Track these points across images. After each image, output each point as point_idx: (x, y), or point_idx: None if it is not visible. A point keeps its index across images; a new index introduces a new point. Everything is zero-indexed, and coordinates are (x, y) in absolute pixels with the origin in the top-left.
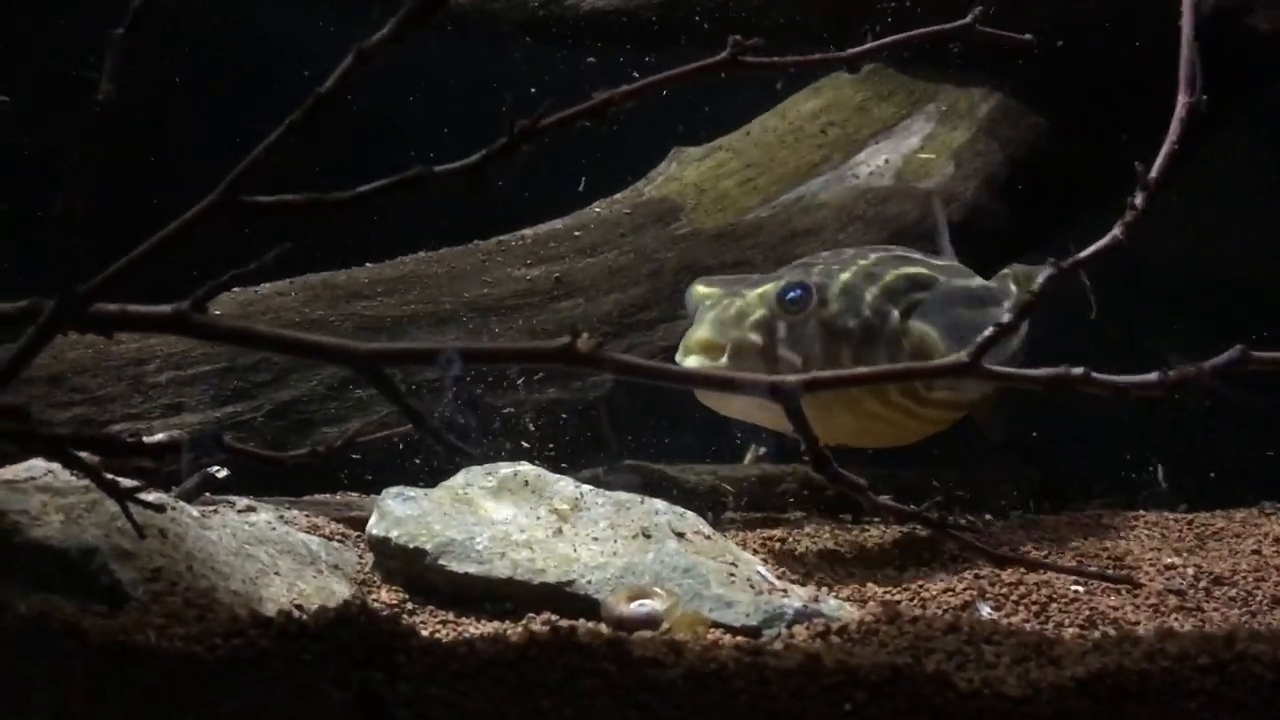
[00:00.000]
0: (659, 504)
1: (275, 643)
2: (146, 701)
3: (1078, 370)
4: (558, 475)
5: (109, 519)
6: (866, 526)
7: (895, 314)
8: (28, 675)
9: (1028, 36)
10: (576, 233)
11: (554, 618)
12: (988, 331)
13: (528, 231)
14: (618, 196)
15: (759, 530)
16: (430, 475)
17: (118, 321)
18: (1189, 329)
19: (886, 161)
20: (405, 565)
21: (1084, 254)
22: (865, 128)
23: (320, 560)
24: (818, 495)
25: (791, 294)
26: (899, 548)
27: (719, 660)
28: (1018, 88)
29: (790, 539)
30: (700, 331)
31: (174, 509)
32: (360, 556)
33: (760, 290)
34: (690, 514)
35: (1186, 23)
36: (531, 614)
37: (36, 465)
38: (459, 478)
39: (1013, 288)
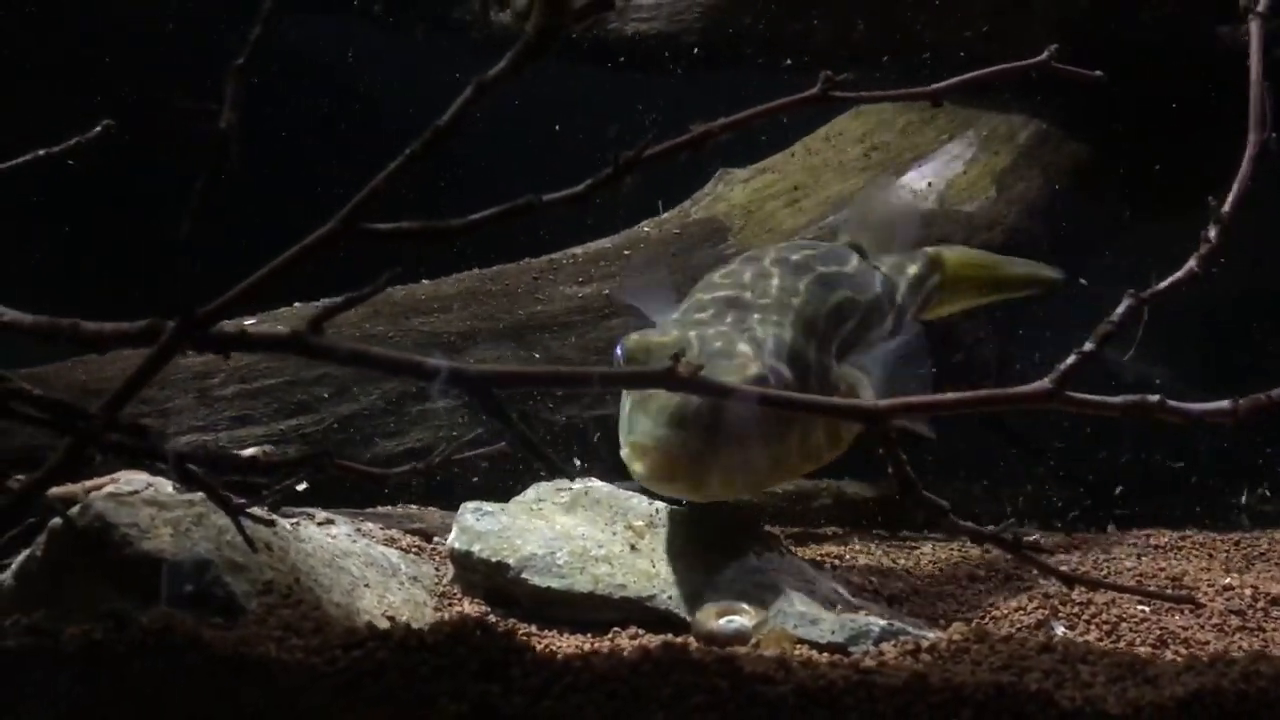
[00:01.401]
0: (737, 521)
1: (394, 655)
2: (268, 713)
3: (1154, 398)
4: (629, 492)
5: (217, 532)
6: (915, 544)
7: (833, 365)
8: (151, 689)
9: (1098, 73)
10: (626, 251)
11: (640, 632)
12: (1071, 359)
13: (578, 250)
14: (665, 216)
15: (810, 545)
16: (468, 489)
17: (237, 342)
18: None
19: (929, 185)
20: (487, 579)
21: (1161, 285)
22: (908, 151)
23: (401, 572)
24: (850, 512)
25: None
26: (955, 566)
27: (828, 678)
28: (1058, 115)
29: (847, 556)
30: (658, 427)
31: (274, 524)
32: (437, 569)
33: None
34: (765, 529)
35: (1255, 61)
36: (617, 628)
37: (136, 479)
38: (530, 493)
39: (910, 271)
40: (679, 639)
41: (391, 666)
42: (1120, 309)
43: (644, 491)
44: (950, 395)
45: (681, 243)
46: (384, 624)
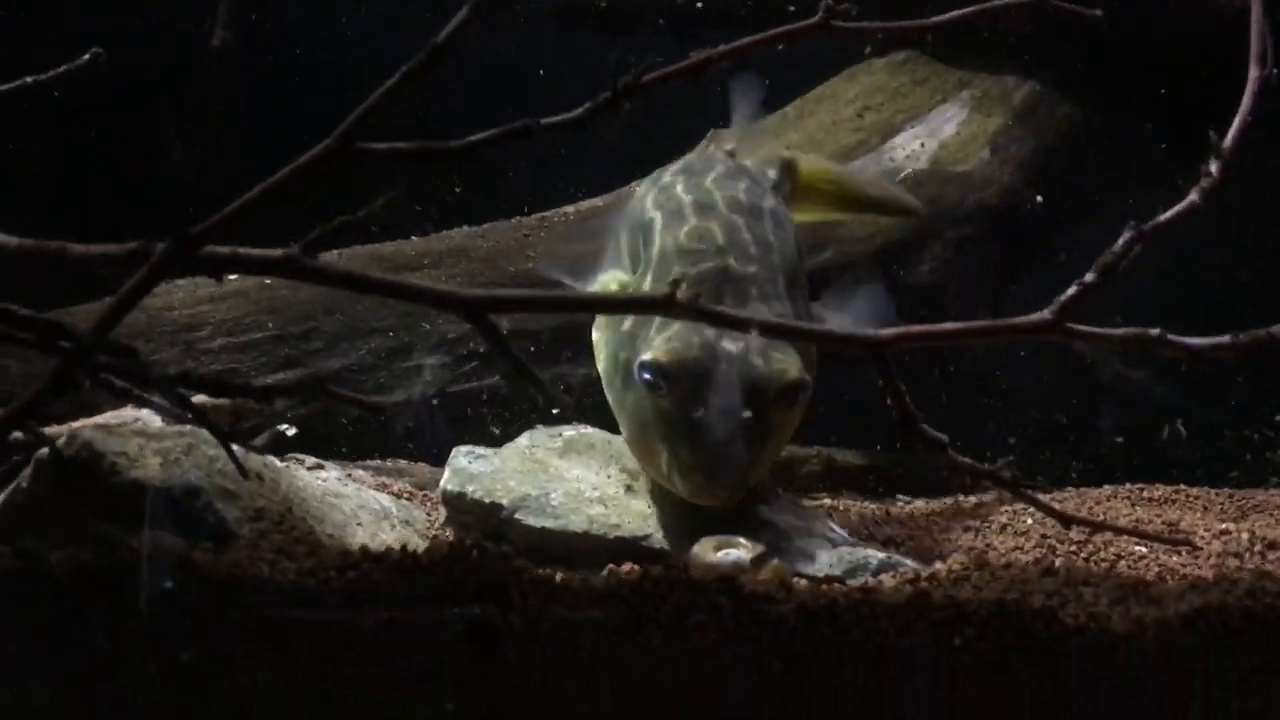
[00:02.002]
0: None
1: (390, 576)
2: (261, 633)
3: (1154, 331)
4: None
5: (208, 461)
6: (908, 501)
7: (809, 311)
8: (143, 609)
9: (1097, 12)
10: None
11: (636, 569)
12: (1072, 289)
13: (570, 208)
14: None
15: (803, 500)
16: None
17: (229, 264)
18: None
19: (922, 146)
20: (480, 520)
21: (1162, 218)
22: (901, 113)
23: (393, 516)
24: (840, 478)
25: (798, 393)
26: (949, 518)
27: (829, 597)
28: (1051, 77)
29: (841, 507)
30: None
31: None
32: (429, 514)
33: (771, 390)
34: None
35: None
36: (613, 565)
37: (125, 414)
38: (523, 439)
39: (771, 175)
40: (681, 562)
41: (387, 588)
42: (1121, 240)
43: None
44: (952, 325)
45: None
46: (387, 546)
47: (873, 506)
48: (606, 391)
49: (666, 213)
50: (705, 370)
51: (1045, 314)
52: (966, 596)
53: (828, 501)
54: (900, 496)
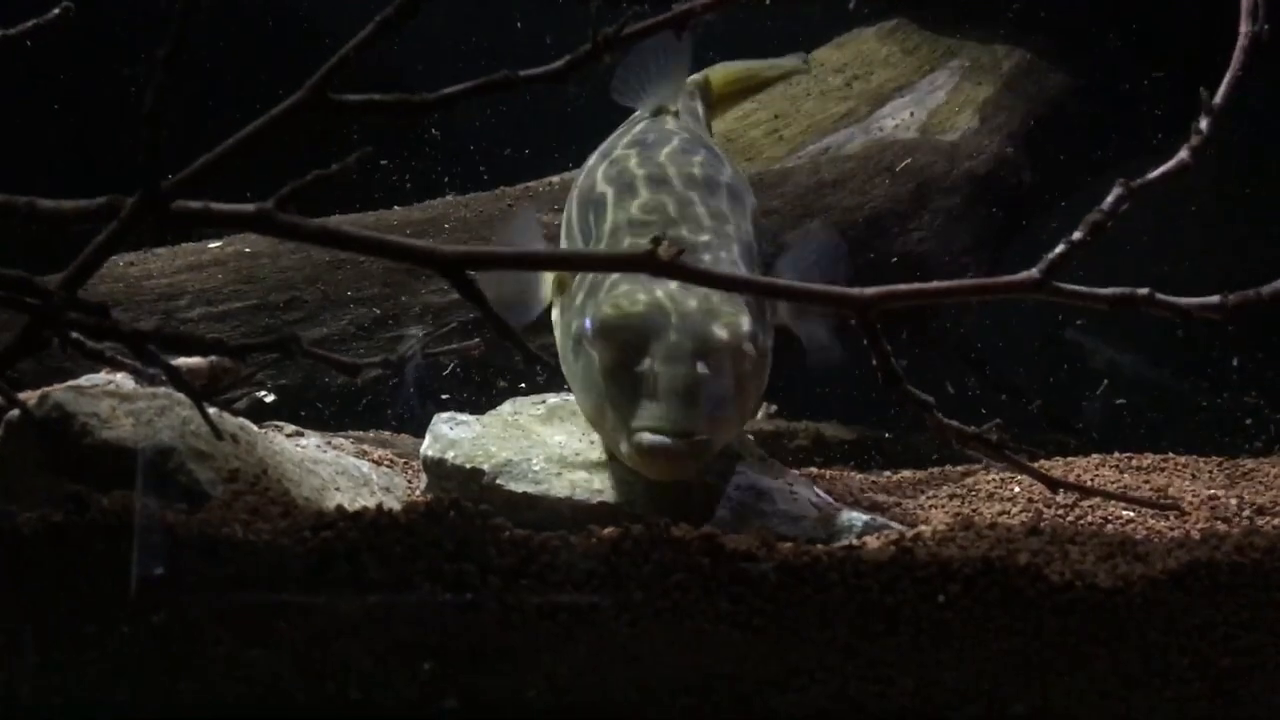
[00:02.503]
0: None
1: (365, 535)
2: (235, 592)
3: (1142, 290)
4: None
5: (180, 422)
6: (895, 471)
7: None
8: (116, 566)
9: None
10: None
11: (595, 528)
12: (1060, 248)
13: (554, 178)
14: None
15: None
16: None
17: (200, 218)
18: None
19: (911, 115)
20: (461, 486)
21: (1151, 176)
22: (890, 82)
23: (373, 482)
24: (828, 453)
25: (746, 345)
26: (935, 486)
27: (812, 554)
28: (1040, 45)
29: (827, 476)
30: (670, 420)
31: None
32: (409, 482)
33: (717, 343)
34: (745, 437)
35: None
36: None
37: (96, 378)
38: (506, 406)
39: (699, 109)
40: (663, 521)
41: (364, 546)
42: (1110, 198)
43: None
44: (939, 284)
45: None
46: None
47: (859, 476)
48: (563, 368)
49: (618, 186)
50: (648, 325)
51: (1033, 272)
52: (951, 554)
53: (815, 471)
54: (887, 470)
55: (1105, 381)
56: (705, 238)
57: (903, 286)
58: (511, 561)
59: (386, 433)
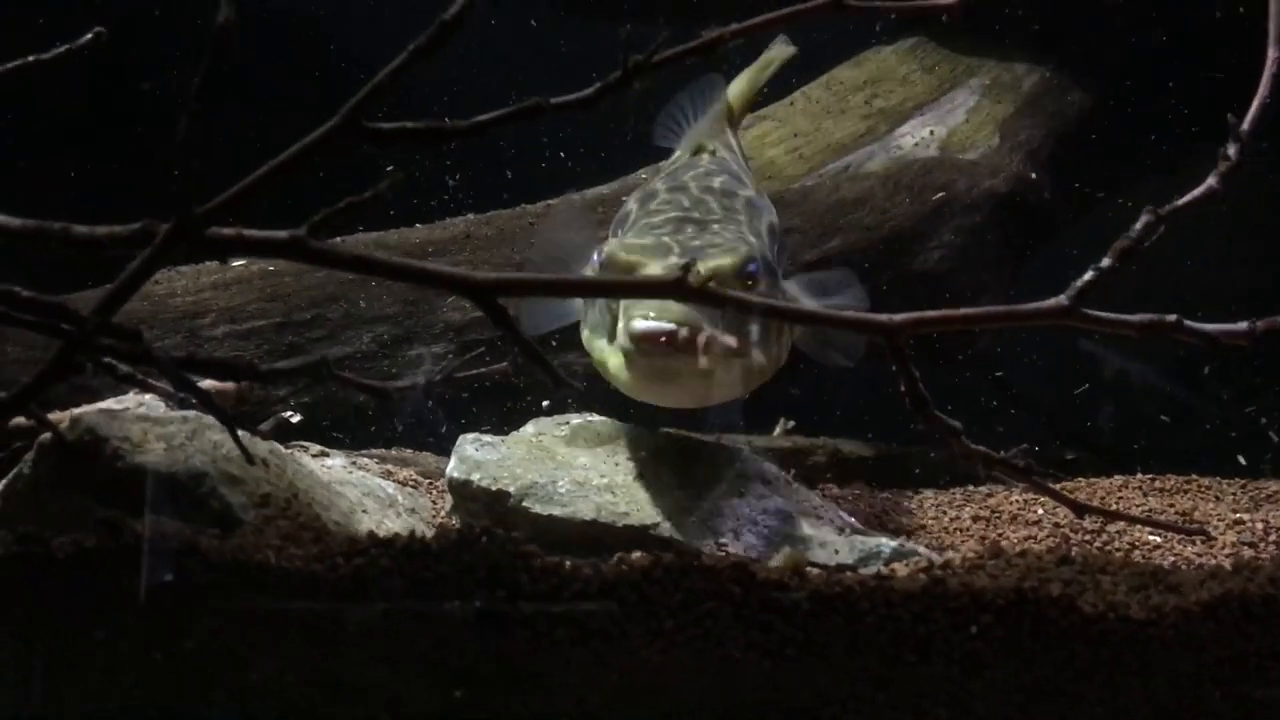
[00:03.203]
0: (742, 450)
1: (398, 562)
2: (268, 621)
3: (1170, 317)
4: (631, 425)
5: (212, 446)
6: (917, 491)
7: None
8: (147, 594)
9: None
10: (624, 197)
11: (646, 556)
12: (1088, 275)
13: (575, 196)
14: (662, 164)
15: (814, 490)
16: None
17: (234, 245)
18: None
19: (931, 133)
20: (487, 508)
21: (1180, 202)
22: (909, 100)
23: (398, 504)
24: (846, 470)
25: (749, 268)
26: (958, 508)
27: (844, 584)
28: (1061, 63)
29: (850, 497)
30: (665, 314)
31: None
32: (434, 502)
33: (715, 264)
34: (770, 463)
35: None
36: (621, 553)
37: (127, 399)
38: (529, 428)
39: (732, 141)
40: (694, 549)
41: (395, 573)
42: (1138, 224)
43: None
44: (967, 310)
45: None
46: (395, 533)
47: (881, 496)
48: (583, 336)
49: (642, 197)
50: (650, 251)
51: (1061, 299)
52: (983, 584)
53: (835, 490)
54: (909, 490)
55: (1086, 385)
56: (715, 218)
57: (931, 313)
58: (543, 588)
59: (409, 450)
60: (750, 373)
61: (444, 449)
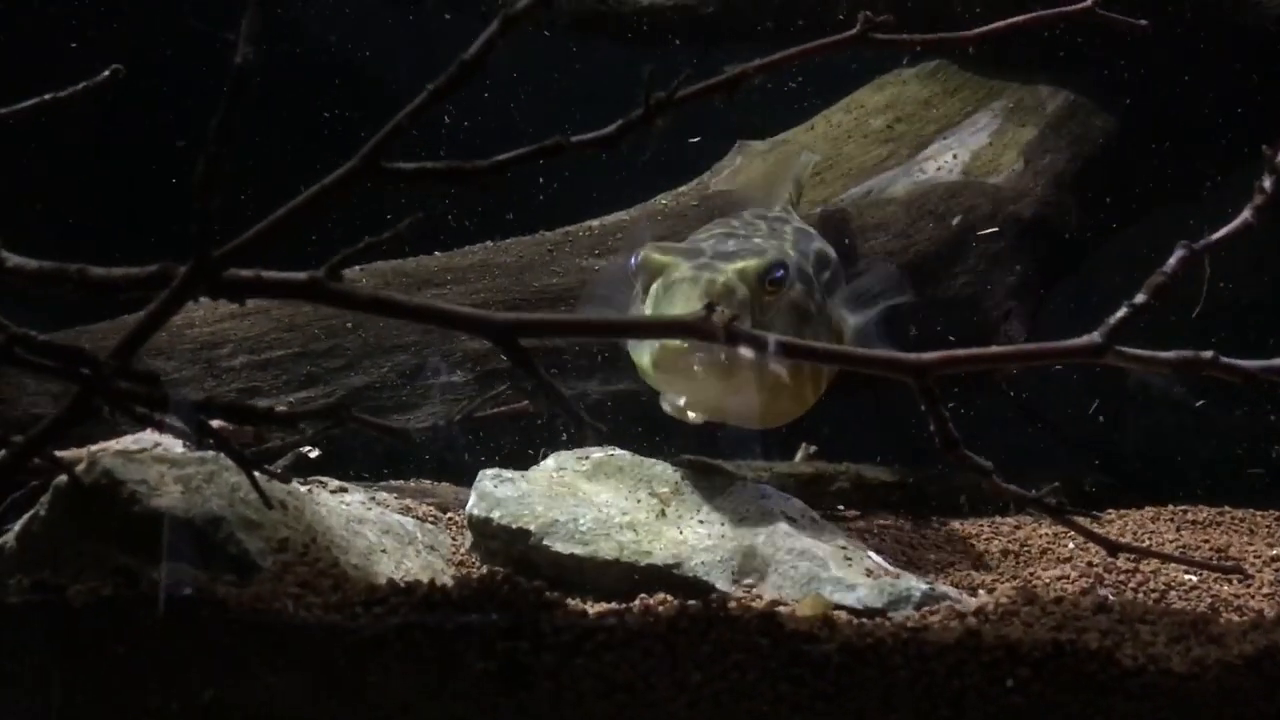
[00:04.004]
0: (765, 488)
1: (418, 611)
2: (287, 671)
3: (1207, 354)
4: (654, 460)
5: (229, 489)
6: (941, 524)
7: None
8: (163, 644)
9: (1144, 22)
10: (644, 224)
11: (669, 599)
12: (1121, 311)
13: (594, 223)
14: (683, 189)
15: (839, 523)
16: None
17: (252, 287)
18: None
19: (954, 157)
20: (507, 546)
21: (1215, 237)
22: (931, 124)
23: (417, 541)
24: (869, 496)
25: (776, 274)
26: (986, 541)
27: (875, 636)
28: (1085, 86)
29: (875, 530)
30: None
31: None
32: (454, 538)
33: (739, 267)
34: (795, 499)
35: None
36: (644, 595)
37: (144, 438)
38: (550, 462)
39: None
40: (719, 596)
41: (416, 624)
42: (1172, 260)
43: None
44: (998, 348)
45: (698, 215)
46: (414, 581)
47: (908, 528)
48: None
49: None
50: (680, 254)
51: (1095, 337)
52: (1019, 636)
53: (861, 524)
54: (934, 519)
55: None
56: (760, 236)
57: (961, 352)
58: (566, 639)
59: (427, 481)
60: (780, 388)
61: (461, 479)
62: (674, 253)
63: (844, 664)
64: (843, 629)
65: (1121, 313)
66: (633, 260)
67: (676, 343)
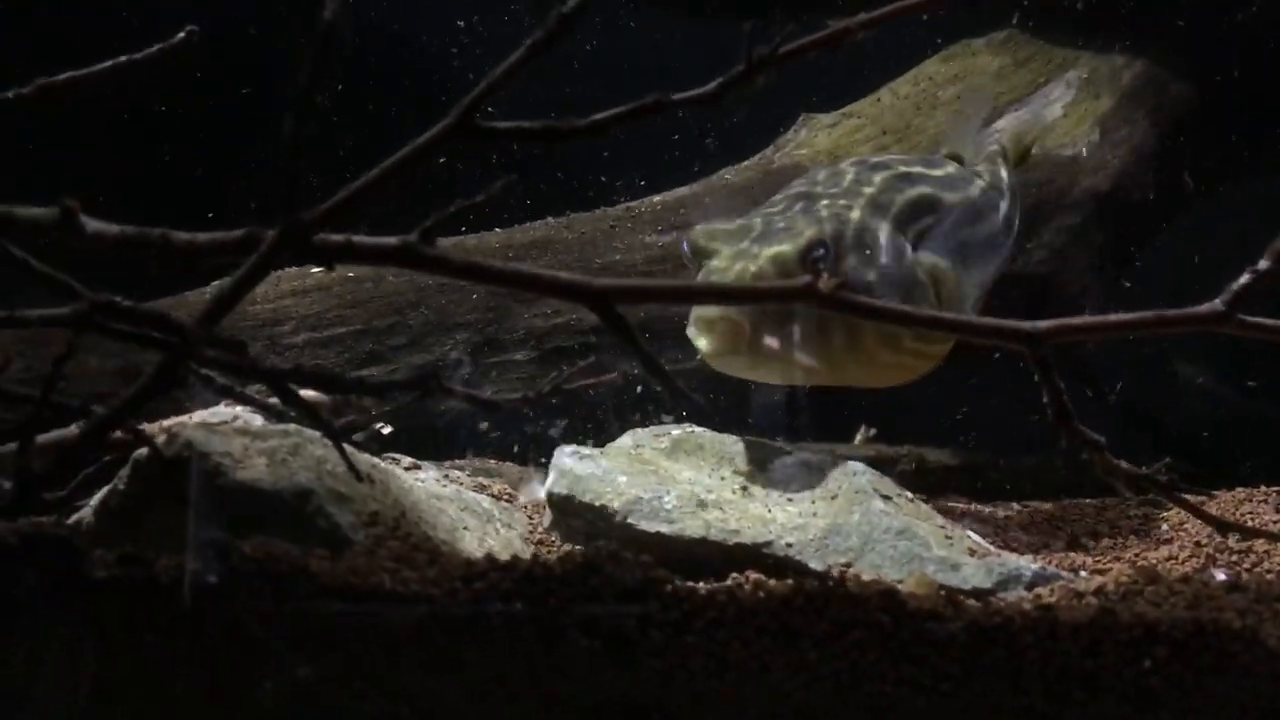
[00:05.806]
0: (855, 464)
1: (520, 586)
2: (383, 647)
3: None
4: (734, 436)
5: (316, 462)
6: (1024, 505)
7: (908, 249)
8: (258, 620)
9: None
10: (706, 199)
11: (763, 578)
12: (1244, 278)
13: (656, 198)
14: (746, 164)
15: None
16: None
17: (343, 252)
18: None
19: None
20: (589, 524)
21: None
22: (1003, 95)
23: (495, 519)
24: (932, 480)
25: (816, 253)
26: (1071, 523)
27: (1004, 615)
28: (1160, 54)
29: (957, 513)
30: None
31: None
32: (530, 516)
33: (775, 251)
34: (887, 477)
35: None
36: (735, 574)
37: (221, 411)
38: (626, 439)
39: (1003, 173)
40: (838, 573)
41: (518, 598)
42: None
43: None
44: (1116, 317)
45: (763, 188)
46: (515, 555)
47: (986, 511)
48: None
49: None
50: (727, 235)
51: (1217, 304)
52: (1157, 615)
53: (930, 506)
54: (1013, 502)
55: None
56: (834, 190)
57: (1076, 320)
58: (675, 616)
59: (491, 461)
60: (844, 349)
61: (504, 459)
62: (719, 237)
63: (970, 643)
64: (967, 608)
65: (1245, 279)
66: (684, 245)
67: (716, 315)
